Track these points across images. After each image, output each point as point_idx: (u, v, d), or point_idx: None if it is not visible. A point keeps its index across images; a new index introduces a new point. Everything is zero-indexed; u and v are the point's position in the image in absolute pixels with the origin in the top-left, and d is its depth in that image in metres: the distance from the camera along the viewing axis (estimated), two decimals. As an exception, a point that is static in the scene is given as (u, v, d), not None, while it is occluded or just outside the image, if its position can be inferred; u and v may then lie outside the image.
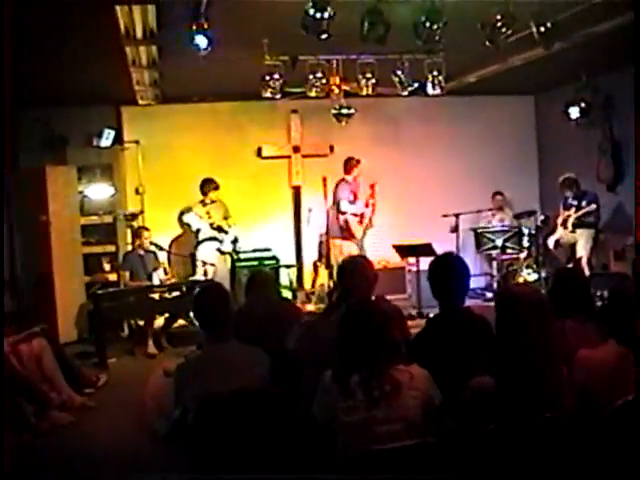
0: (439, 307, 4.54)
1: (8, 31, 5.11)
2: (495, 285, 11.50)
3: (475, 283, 12.00)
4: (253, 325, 5.40)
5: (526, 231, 11.21)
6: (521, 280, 10.95)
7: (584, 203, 10.96)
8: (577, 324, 4.45)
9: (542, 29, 6.57)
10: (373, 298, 4.92)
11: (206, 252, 11.08)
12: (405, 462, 3.33)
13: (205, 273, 10.88)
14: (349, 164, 11.30)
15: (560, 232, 11.26)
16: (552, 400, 3.59)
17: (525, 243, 11.21)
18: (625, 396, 3.59)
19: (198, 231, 11.07)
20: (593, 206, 10.77)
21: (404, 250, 11.14)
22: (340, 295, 4.76)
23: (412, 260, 11.17)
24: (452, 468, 3.31)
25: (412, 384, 3.58)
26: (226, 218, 11.30)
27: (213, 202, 11.20)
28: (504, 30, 6.42)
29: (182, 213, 11.55)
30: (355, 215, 11.27)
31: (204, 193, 11.16)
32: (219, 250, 11.18)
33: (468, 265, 4.68)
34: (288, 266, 11.70)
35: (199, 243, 11.11)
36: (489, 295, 11.31)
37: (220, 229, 11.16)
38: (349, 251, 10.85)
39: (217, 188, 11.17)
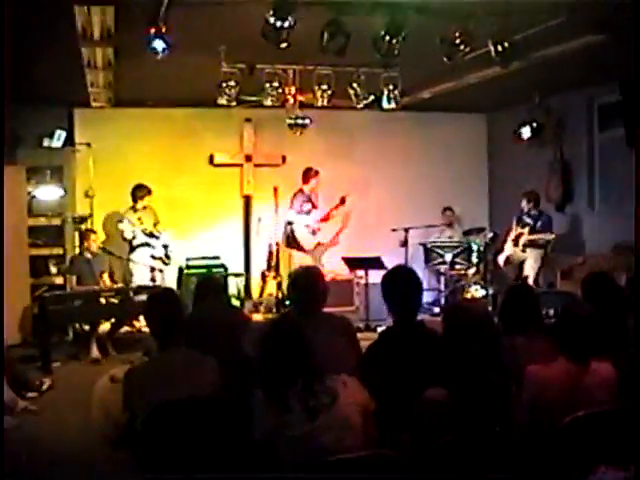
0: (393, 320, 4.51)
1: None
2: (443, 300, 11.59)
3: (423, 297, 11.95)
4: (203, 332, 5.33)
5: (475, 247, 11.32)
6: (469, 296, 11.00)
7: (539, 224, 10.97)
8: (527, 340, 4.46)
9: (500, 48, 6.65)
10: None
11: (142, 258, 10.94)
12: (362, 473, 3.32)
13: (153, 279, 10.77)
14: (307, 174, 11.26)
15: (510, 249, 11.26)
16: (501, 414, 3.60)
17: (474, 259, 11.32)
18: (574, 413, 3.61)
19: (133, 238, 10.89)
20: (551, 236, 10.77)
21: (353, 262, 11.13)
22: (295, 306, 4.78)
23: (361, 273, 11.15)
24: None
25: (347, 391, 3.58)
26: (156, 224, 11.16)
27: (144, 208, 11.03)
28: (462, 47, 6.49)
29: (112, 218, 11.42)
30: (307, 227, 11.23)
31: (136, 199, 10.97)
32: (152, 256, 11.01)
33: (420, 278, 4.68)
34: (236, 275, 11.68)
35: (133, 249, 10.96)
36: (436, 310, 11.38)
37: (152, 235, 11.01)
38: (300, 262, 10.78)
39: (149, 193, 11.01)
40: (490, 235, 11.50)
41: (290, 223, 11.23)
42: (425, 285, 11.63)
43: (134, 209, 10.97)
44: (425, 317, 10.49)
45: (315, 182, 11.27)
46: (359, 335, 5.10)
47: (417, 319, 4.52)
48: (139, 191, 10.97)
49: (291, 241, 11.30)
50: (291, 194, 11.32)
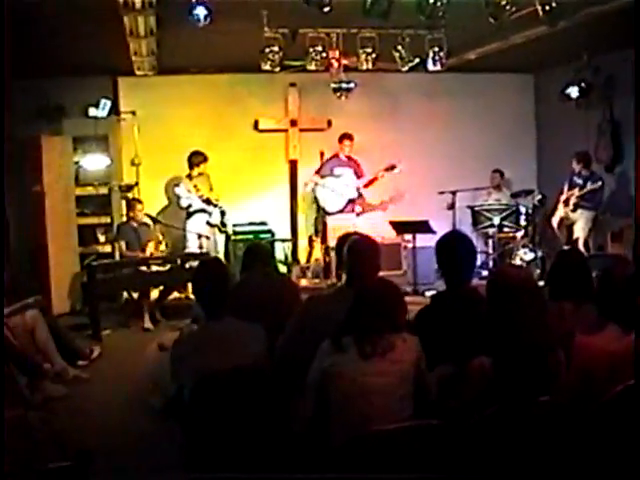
0: (446, 285, 4.53)
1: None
2: (491, 264, 11.47)
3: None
4: (251, 300, 5.30)
5: (523, 210, 11.14)
6: (517, 259, 10.85)
7: (589, 184, 10.90)
8: (575, 306, 4.41)
9: (547, 7, 6.54)
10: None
11: (197, 225, 10.96)
12: (408, 444, 3.34)
13: (200, 246, 10.75)
14: (340, 139, 11.46)
15: (562, 211, 11.23)
16: (549, 383, 3.58)
17: (522, 222, 11.14)
18: (625, 382, 3.55)
19: (189, 206, 10.94)
20: (599, 183, 10.70)
21: (400, 226, 11.10)
22: (349, 276, 4.70)
23: (408, 237, 11.15)
24: (456, 451, 3.31)
25: (405, 346, 3.71)
26: (211, 190, 11.16)
27: (200, 175, 11.04)
28: (508, 7, 6.43)
29: (171, 185, 11.43)
30: (334, 191, 11.40)
31: (192, 166, 10.98)
32: (208, 223, 11.04)
33: (474, 244, 4.72)
34: (283, 240, 11.69)
35: (190, 215, 11.00)
36: (485, 273, 11.03)
37: (209, 202, 11.02)
38: (344, 227, 10.65)
39: (206, 160, 11.01)
40: (538, 197, 11.34)
41: (307, 184, 11.57)
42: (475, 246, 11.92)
43: (190, 176, 10.98)
44: (474, 280, 10.64)
45: (349, 146, 11.35)
46: (407, 299, 5.05)
47: (470, 285, 4.52)
48: (195, 158, 10.95)
49: (317, 204, 11.56)
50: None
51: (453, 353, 3.87)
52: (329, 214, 11.47)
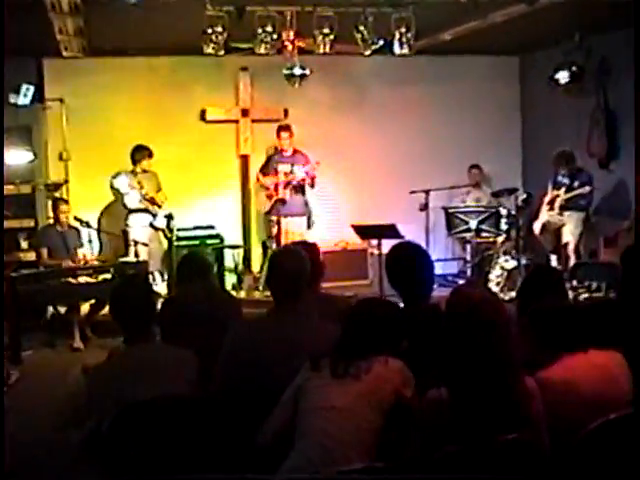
0: (402, 302, 4.55)
1: None
2: (469, 272, 11.45)
3: (447, 268, 12.17)
4: (183, 321, 5.28)
5: (504, 212, 11.06)
6: (497, 268, 10.87)
7: (576, 183, 10.87)
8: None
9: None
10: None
11: (138, 228, 10.94)
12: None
13: (136, 254, 10.73)
14: (278, 132, 11.51)
15: (546, 214, 11.22)
16: (516, 418, 3.50)
17: (503, 225, 11.07)
18: (604, 415, 3.52)
19: (127, 198, 10.93)
20: (587, 188, 10.67)
21: (365, 231, 10.90)
22: (274, 298, 4.60)
23: (375, 242, 11.01)
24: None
25: (384, 369, 3.80)
26: (158, 191, 11.16)
27: (145, 172, 11.05)
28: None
29: (112, 177, 11.34)
30: (268, 189, 11.45)
31: (135, 162, 11.02)
32: (152, 225, 11.02)
33: (430, 255, 4.76)
34: (234, 247, 11.63)
35: (130, 212, 10.96)
36: (461, 282, 11.25)
37: (153, 201, 11.00)
38: (295, 230, 11.10)
39: (151, 156, 11.02)
40: (523, 196, 11.21)
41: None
42: (449, 254, 12.31)
43: (134, 172, 10.99)
44: (450, 290, 10.61)
45: (287, 139, 11.35)
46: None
47: (429, 302, 4.52)
48: (138, 153, 11.01)
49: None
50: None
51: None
52: (283, 216, 11.42)
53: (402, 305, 4.52)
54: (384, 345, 3.91)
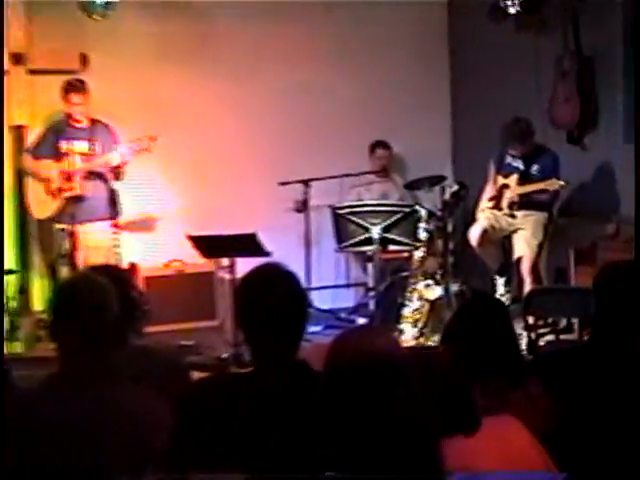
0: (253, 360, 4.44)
1: None
2: (372, 305, 10.66)
3: (338, 300, 12.01)
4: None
5: (424, 213, 10.24)
6: (414, 296, 10.03)
7: (535, 169, 10.55)
8: (482, 386, 4.46)
9: None
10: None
11: None
12: None
13: None
14: (66, 92, 10.55)
15: (487, 218, 10.77)
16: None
17: (422, 233, 10.21)
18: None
19: None
20: (558, 183, 10.21)
21: (210, 245, 10.25)
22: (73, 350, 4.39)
23: (226, 261, 10.56)
24: None
25: None
26: None
27: None
28: None
29: None
30: (48, 180, 10.55)
31: None
32: None
33: (299, 282, 4.44)
34: (7, 272, 10.76)
35: None
36: (361, 321, 11.05)
37: None
38: (99, 244, 10.43)
39: None
40: (453, 189, 10.24)
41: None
42: (341, 278, 12.45)
43: None
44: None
45: (80, 104, 10.47)
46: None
47: (296, 356, 4.36)
48: None
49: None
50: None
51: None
52: (79, 223, 10.58)
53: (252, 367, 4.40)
54: None
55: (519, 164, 10.63)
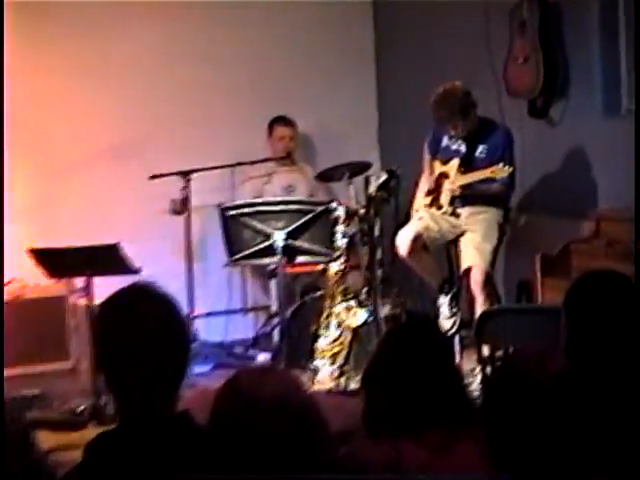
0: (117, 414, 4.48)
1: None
2: (276, 335, 10.77)
3: (234, 331, 11.96)
4: None
5: (342, 211, 9.97)
6: (333, 324, 9.89)
7: (480, 149, 10.29)
8: (430, 446, 4.61)
9: None
10: None
11: None
12: None
13: None
14: None
15: (424, 217, 10.42)
16: None
17: (340, 239, 9.95)
18: None
19: None
20: (506, 170, 9.98)
21: (56, 260, 9.87)
22: None
23: (81, 282, 10.22)
24: None
25: None
26: None
27: None
28: None
29: None
30: None
31: None
32: None
33: (179, 310, 4.40)
34: None
35: None
36: (262, 358, 11.05)
37: None
38: None
39: None
40: (380, 180, 9.97)
41: None
42: (236, 301, 12.36)
43: None
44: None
45: None
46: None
47: (174, 409, 4.34)
48: None
49: None
50: None
51: None
52: None
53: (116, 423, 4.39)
54: None
55: (460, 146, 10.38)
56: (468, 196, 10.31)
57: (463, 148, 10.29)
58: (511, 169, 9.91)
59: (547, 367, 4.38)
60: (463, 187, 10.21)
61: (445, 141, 10.48)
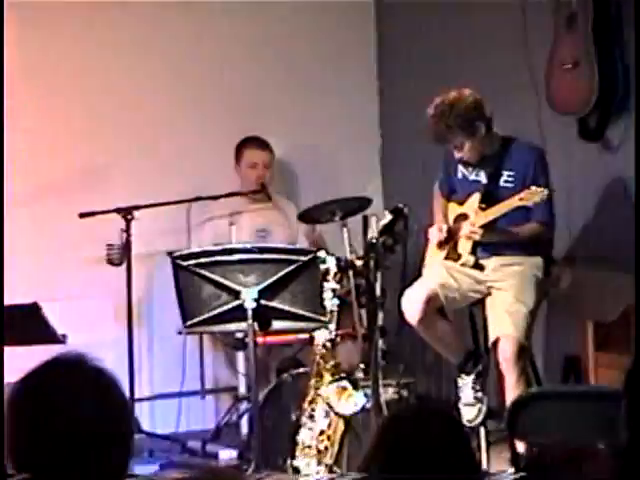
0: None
1: None
2: (244, 426, 10.89)
3: (188, 420, 11.95)
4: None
5: (333, 264, 9.62)
6: (319, 413, 9.56)
7: (505, 177, 9.94)
8: None
9: None
10: None
11: None
12: None
13: None
14: None
15: (439, 273, 10.07)
16: None
17: (329, 301, 9.63)
18: None
19: None
20: (540, 191, 9.47)
21: None
22: None
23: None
24: None
25: None
26: None
27: None
28: None
29: None
30: None
31: None
32: None
33: (122, 391, 4.07)
34: None
35: None
36: (225, 455, 10.80)
37: None
38: None
39: None
40: (384, 221, 9.54)
41: None
42: (193, 381, 12.10)
43: None
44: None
45: None
46: None
47: None
48: None
49: None
50: None
51: None
52: None
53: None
54: None
55: (479, 176, 10.02)
56: (494, 241, 9.88)
57: (483, 178, 9.95)
58: (547, 192, 9.43)
59: (582, 468, 4.24)
60: (487, 228, 9.71)
61: (460, 172, 10.13)
